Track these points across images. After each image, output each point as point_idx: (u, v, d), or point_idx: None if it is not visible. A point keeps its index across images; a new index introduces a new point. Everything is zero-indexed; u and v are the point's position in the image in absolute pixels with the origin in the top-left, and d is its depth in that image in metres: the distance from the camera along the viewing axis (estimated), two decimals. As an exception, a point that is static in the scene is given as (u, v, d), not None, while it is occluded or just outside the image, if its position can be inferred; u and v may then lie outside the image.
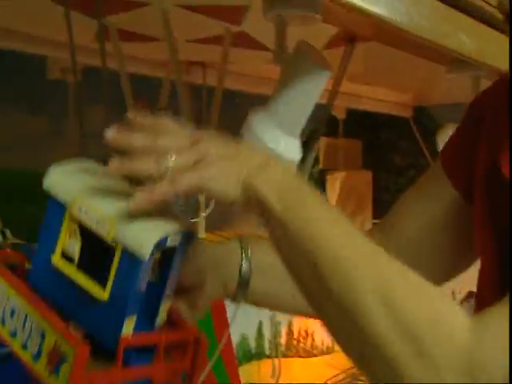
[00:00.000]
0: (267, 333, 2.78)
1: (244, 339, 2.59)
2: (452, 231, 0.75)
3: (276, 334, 2.81)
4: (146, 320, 0.62)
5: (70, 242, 0.57)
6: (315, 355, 2.92)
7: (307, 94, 0.88)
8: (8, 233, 0.85)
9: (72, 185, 0.58)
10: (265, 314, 2.66)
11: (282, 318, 2.37)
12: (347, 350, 0.55)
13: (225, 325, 2.16)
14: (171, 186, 0.53)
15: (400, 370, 0.50)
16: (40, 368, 0.55)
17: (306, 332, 3.00)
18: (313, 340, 3.03)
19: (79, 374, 0.53)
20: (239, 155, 0.57)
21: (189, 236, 0.63)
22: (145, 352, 0.62)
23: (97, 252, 0.58)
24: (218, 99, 1.43)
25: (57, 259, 0.58)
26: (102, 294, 0.56)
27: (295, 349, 2.59)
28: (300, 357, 2.77)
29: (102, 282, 0.56)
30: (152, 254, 0.55)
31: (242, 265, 0.70)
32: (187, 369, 0.65)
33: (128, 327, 0.57)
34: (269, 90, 1.07)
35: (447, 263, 0.78)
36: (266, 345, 2.75)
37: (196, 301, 0.71)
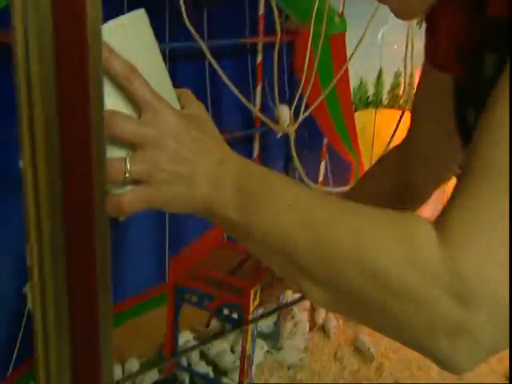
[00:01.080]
0: (387, 83, 2.72)
1: (363, 85, 2.56)
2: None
3: (396, 85, 2.74)
4: None
5: None
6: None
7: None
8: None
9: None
10: (387, 62, 2.57)
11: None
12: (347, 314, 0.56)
13: (343, 58, 2.11)
14: (127, 208, 0.55)
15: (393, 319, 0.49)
16: None
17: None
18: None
19: None
20: (192, 167, 0.56)
21: None
22: None
23: None
24: None
25: None
26: None
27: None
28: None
29: None
30: None
31: None
32: None
33: None
34: None
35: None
36: (385, 94, 2.71)
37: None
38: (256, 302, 1.12)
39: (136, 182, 0.54)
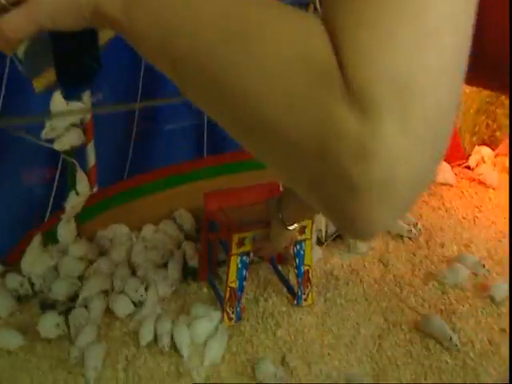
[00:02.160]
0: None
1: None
2: None
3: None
4: None
5: None
6: None
7: None
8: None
9: None
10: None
11: None
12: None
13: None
14: (12, 35, 0.49)
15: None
16: None
17: None
18: None
19: None
20: None
21: None
22: None
23: None
24: None
25: None
26: None
27: None
28: None
29: None
30: None
31: None
32: None
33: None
34: None
35: None
36: None
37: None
38: (245, 248, 1.23)
39: (17, 4, 0.48)
